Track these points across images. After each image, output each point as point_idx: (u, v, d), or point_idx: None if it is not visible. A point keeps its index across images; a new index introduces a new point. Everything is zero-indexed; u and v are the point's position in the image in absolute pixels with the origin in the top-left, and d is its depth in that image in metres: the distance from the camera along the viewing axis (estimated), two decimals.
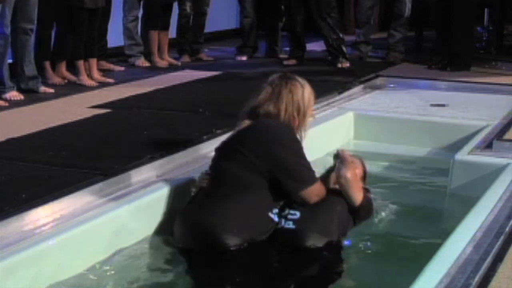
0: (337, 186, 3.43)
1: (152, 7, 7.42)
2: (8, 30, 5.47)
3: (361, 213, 3.43)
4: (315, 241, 3.24)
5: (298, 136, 3.44)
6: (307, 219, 3.29)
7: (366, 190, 3.53)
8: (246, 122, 3.43)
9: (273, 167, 3.26)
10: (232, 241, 3.17)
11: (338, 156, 3.47)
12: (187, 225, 3.31)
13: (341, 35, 7.58)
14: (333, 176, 3.48)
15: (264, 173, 3.26)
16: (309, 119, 3.53)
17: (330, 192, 3.42)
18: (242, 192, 3.27)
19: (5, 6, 5.37)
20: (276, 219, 3.31)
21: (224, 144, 3.46)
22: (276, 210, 3.33)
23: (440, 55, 7.51)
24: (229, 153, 3.37)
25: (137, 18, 7.53)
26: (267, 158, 3.26)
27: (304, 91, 3.49)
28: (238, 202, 3.25)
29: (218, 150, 3.48)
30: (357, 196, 3.39)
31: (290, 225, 3.30)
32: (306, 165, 3.34)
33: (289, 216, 3.32)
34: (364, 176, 3.70)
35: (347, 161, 3.42)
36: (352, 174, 3.39)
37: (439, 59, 7.49)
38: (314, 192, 3.34)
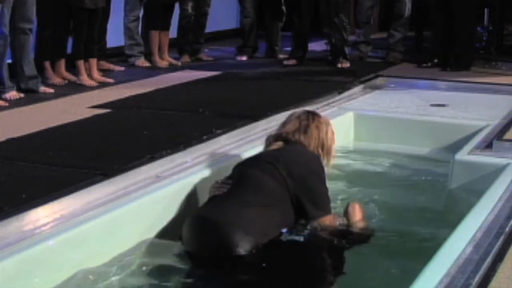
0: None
1: (153, 7, 7.43)
2: (7, 30, 5.47)
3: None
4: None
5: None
6: None
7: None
8: (279, 144, 3.60)
9: (301, 188, 3.37)
10: (244, 248, 3.16)
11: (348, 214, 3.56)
12: (199, 227, 3.27)
13: (345, 36, 7.58)
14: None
15: (291, 191, 3.36)
16: (333, 159, 3.74)
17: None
18: (266, 202, 3.32)
19: (4, 6, 5.37)
20: (287, 236, 3.35)
21: (254, 158, 3.59)
22: (288, 229, 3.38)
23: (436, 55, 7.53)
24: (261, 165, 3.44)
25: (138, 18, 7.54)
26: (298, 179, 3.37)
27: (328, 129, 3.69)
28: (260, 211, 3.28)
29: (246, 162, 3.60)
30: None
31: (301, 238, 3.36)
32: (327, 195, 3.49)
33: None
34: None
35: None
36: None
37: (429, 58, 7.53)
38: (327, 222, 3.43)
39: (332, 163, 3.79)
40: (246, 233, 3.18)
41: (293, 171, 3.39)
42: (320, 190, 3.44)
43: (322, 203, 3.44)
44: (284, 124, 3.71)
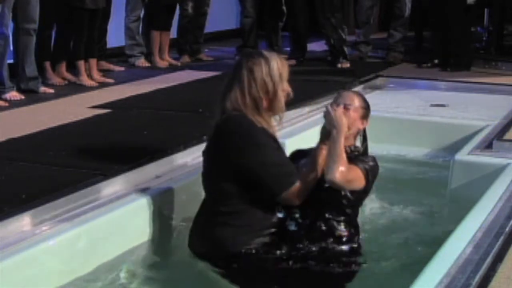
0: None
1: (155, 7, 7.43)
2: (7, 30, 5.47)
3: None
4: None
5: (265, 124, 3.10)
6: None
7: (364, 164, 3.20)
8: (212, 124, 3.15)
9: (245, 176, 3.05)
10: (238, 248, 3.11)
11: (327, 118, 3.16)
12: (198, 235, 3.24)
13: (343, 36, 7.58)
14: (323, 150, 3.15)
15: (243, 181, 3.06)
16: (282, 97, 3.13)
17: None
18: (231, 202, 3.12)
19: (5, 6, 5.37)
20: (281, 215, 3.20)
21: (203, 154, 3.25)
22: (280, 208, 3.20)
23: (436, 55, 7.53)
24: (207, 168, 3.21)
25: (139, 18, 7.54)
26: (236, 168, 3.05)
27: (271, 66, 3.10)
28: (231, 216, 3.12)
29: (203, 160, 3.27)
30: (356, 186, 3.15)
31: (292, 227, 3.22)
32: (275, 168, 3.06)
33: (293, 215, 3.22)
34: (366, 115, 3.44)
35: (339, 130, 3.09)
36: (341, 174, 3.04)
37: (429, 58, 7.53)
38: (294, 195, 3.08)
39: (282, 100, 3.12)
40: (235, 239, 3.10)
41: (227, 162, 3.04)
42: (262, 169, 3.01)
43: (273, 180, 3.04)
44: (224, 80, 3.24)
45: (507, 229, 3.08)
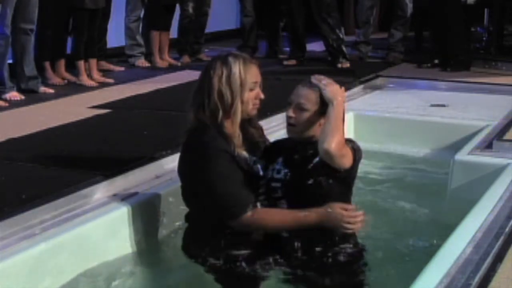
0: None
1: (155, 7, 7.43)
2: (8, 30, 5.48)
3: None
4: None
5: (230, 131, 2.91)
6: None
7: (351, 143, 3.11)
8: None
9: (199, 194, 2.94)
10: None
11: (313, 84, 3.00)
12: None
13: (341, 35, 7.58)
14: None
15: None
16: (240, 108, 2.92)
17: None
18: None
19: (6, 7, 5.37)
20: (261, 172, 3.06)
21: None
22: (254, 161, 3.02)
23: (436, 55, 7.53)
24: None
25: (139, 18, 7.55)
26: (191, 185, 2.97)
27: (232, 70, 2.89)
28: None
29: None
30: (346, 163, 3.01)
31: (277, 184, 3.05)
32: (223, 198, 2.85)
33: (275, 176, 3.05)
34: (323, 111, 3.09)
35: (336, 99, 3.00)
36: (337, 145, 2.91)
37: (428, 58, 7.54)
38: (243, 224, 2.89)
39: (248, 109, 2.92)
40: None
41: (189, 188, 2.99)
42: (212, 198, 2.86)
43: (224, 212, 2.87)
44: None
45: (507, 229, 3.08)
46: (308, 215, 2.90)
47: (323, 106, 3.03)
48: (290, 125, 3.04)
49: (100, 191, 3.53)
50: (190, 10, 7.82)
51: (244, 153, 2.99)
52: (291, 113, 3.01)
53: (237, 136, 2.95)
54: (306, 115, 3.01)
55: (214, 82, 2.91)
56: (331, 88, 3.04)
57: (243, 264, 3.00)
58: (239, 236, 2.99)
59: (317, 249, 3.05)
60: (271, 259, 3.04)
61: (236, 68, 2.91)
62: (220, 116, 2.92)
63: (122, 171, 3.72)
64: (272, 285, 3.05)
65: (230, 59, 2.94)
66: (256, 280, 3.01)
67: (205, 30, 8.26)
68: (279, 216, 2.95)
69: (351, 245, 3.13)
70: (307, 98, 3.02)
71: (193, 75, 6.89)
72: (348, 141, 3.11)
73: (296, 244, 3.05)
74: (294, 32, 7.79)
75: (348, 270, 3.13)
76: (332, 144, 2.91)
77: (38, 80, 5.92)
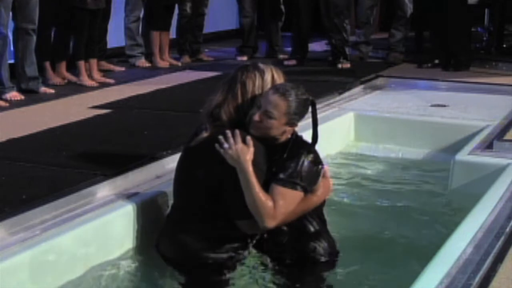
0: None
1: (155, 7, 7.43)
2: (6, 30, 5.47)
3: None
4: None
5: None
6: None
7: (294, 178, 2.95)
8: (204, 135, 3.01)
9: (214, 187, 2.95)
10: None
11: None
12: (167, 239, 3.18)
13: (345, 37, 7.59)
14: None
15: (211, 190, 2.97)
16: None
17: None
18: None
19: (1, 6, 5.37)
20: None
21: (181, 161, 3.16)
22: None
23: (436, 55, 7.53)
24: (183, 174, 3.13)
25: (139, 18, 7.54)
26: (211, 175, 2.96)
27: (265, 78, 2.99)
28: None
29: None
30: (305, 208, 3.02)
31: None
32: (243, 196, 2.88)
33: None
34: (292, 122, 3.00)
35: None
36: (272, 218, 2.88)
37: (429, 58, 7.54)
38: (246, 227, 2.98)
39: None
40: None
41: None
42: (230, 193, 2.89)
43: (236, 209, 2.91)
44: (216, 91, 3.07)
45: (507, 229, 3.08)
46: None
47: (292, 117, 2.95)
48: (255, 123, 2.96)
49: (101, 191, 3.53)
50: (188, 10, 7.82)
51: None
52: (257, 117, 2.93)
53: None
54: (272, 122, 2.93)
55: (249, 87, 2.99)
56: (231, 152, 2.87)
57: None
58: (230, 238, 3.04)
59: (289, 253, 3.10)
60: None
61: (269, 74, 3.00)
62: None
63: (123, 171, 3.72)
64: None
65: (262, 66, 3.03)
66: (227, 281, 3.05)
67: (205, 30, 8.26)
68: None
69: (325, 245, 3.13)
70: (276, 107, 2.91)
71: (193, 75, 6.91)
72: (291, 174, 2.94)
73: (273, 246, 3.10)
74: (299, 31, 7.77)
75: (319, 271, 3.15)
76: (265, 223, 2.86)
77: (38, 80, 5.92)
